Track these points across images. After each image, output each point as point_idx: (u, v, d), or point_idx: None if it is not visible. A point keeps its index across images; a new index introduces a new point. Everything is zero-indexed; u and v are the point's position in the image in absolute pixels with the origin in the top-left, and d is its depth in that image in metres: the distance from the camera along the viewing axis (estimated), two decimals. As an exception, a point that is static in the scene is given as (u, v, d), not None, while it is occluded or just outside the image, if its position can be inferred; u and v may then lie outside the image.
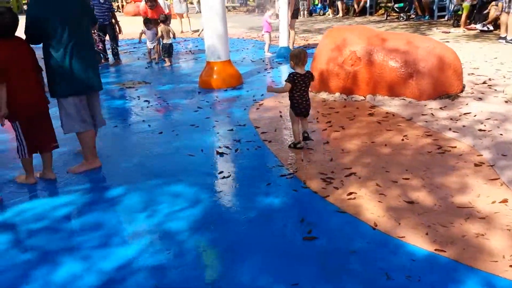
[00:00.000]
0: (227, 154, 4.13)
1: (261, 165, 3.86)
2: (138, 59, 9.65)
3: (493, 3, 10.13)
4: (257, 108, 5.50)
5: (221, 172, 3.74)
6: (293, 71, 4.05)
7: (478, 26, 10.29)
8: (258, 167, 3.82)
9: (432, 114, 4.73)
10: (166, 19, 8.85)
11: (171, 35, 8.72)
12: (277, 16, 8.97)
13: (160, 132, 4.82)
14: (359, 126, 4.58)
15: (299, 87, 4.02)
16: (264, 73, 7.57)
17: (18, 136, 3.52)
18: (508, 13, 8.37)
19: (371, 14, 15.75)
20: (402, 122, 4.57)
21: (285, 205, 3.15)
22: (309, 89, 4.19)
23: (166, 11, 9.96)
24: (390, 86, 5.26)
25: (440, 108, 4.88)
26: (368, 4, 15.65)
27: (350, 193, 3.22)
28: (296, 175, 3.59)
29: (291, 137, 4.45)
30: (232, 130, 4.78)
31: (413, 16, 13.78)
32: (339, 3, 16.17)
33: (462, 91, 5.28)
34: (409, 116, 4.69)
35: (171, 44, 8.72)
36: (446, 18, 13.32)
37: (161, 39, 8.90)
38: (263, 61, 8.70)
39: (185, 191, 3.45)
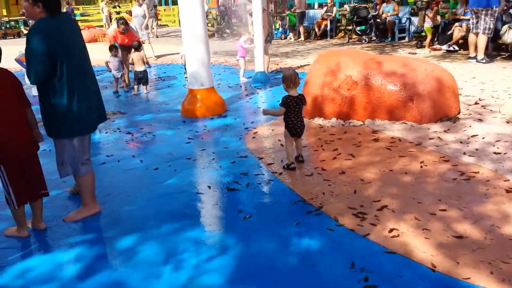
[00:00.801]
0: (238, 190, 3.80)
1: (280, 201, 3.56)
2: (106, 87, 9.13)
3: (457, 24, 10.46)
4: (253, 137, 5.22)
5: (240, 211, 3.40)
6: (286, 93, 4.12)
7: (444, 47, 10.58)
8: (279, 204, 3.52)
9: (439, 137, 4.62)
10: (140, 46, 8.45)
11: (145, 63, 8.28)
12: (251, 41, 8.79)
13: (155, 168, 4.42)
14: (369, 153, 4.39)
15: (293, 109, 4.11)
16: (246, 99, 7.32)
17: (4, 183, 3.03)
18: (476, 34, 8.62)
19: (331, 37, 15.97)
20: (412, 147, 4.43)
21: (325, 247, 2.86)
22: (303, 114, 4.25)
23: (138, 36, 9.51)
24: (389, 110, 5.14)
25: (445, 131, 4.80)
26: (328, 28, 15.88)
27: (391, 230, 2.99)
28: (323, 211, 3.32)
29: (300, 167, 4.21)
30: (234, 162, 4.46)
31: (374, 38, 14.07)
32: (301, 28, 16.30)
33: (459, 112, 5.25)
34: (417, 141, 4.56)
35: (145, 71, 8.28)
36: (406, 39, 13.69)
37: (130, 66, 8.50)
38: (240, 86, 8.45)
39: (206, 236, 3.09)
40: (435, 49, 10.80)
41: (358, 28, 14.38)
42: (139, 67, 8.17)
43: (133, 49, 8.28)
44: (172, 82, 9.33)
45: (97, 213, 3.50)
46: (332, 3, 16.07)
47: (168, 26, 29.08)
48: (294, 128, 4.16)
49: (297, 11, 16.12)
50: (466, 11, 10.39)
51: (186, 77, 8.40)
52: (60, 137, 3.22)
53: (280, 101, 4.17)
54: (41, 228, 3.27)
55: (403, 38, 13.82)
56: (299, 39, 16.35)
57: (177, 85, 9.02)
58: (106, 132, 5.77)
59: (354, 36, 15.01)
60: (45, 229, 3.28)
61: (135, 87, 8.35)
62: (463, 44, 10.52)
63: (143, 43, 13.49)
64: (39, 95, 3.16)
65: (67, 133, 3.19)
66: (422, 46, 11.51)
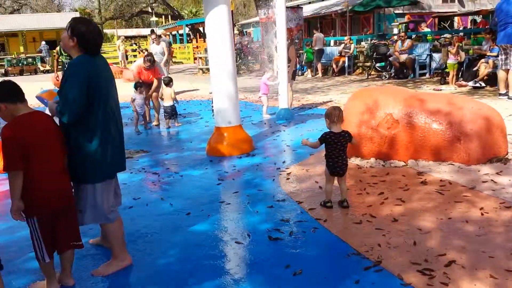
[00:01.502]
0: (281, 239, 3.46)
1: (332, 254, 3.21)
2: (126, 124, 8.92)
3: (482, 60, 10.24)
4: (287, 179, 4.90)
5: (289, 266, 3.05)
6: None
7: (470, 83, 10.32)
8: (330, 257, 3.17)
9: (493, 180, 4.27)
10: (170, 81, 8.38)
11: (173, 99, 8.35)
12: (275, 78, 8.60)
13: (187, 213, 4.10)
14: (420, 198, 4.04)
15: (334, 146, 3.92)
16: (273, 137, 7.04)
17: (35, 235, 2.73)
18: (506, 70, 8.36)
19: (349, 73, 15.86)
20: (466, 192, 4.08)
21: (395, 312, 2.49)
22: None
23: (163, 73, 9.37)
24: (434, 150, 4.81)
25: (497, 173, 4.45)
26: (346, 64, 15.78)
27: (467, 291, 2.61)
28: (383, 266, 2.95)
29: (346, 214, 3.86)
30: (272, 207, 4.13)
31: (394, 74, 13.88)
32: (318, 64, 16.25)
33: (507, 153, 4.90)
34: (470, 184, 4.21)
35: (173, 106, 8.36)
36: (427, 75, 13.50)
37: (157, 101, 8.45)
38: (264, 123, 8.21)
39: (257, 296, 2.73)
40: (461, 85, 10.54)
41: (378, 64, 14.24)
42: (168, 102, 8.28)
43: (163, 85, 8.40)
44: (193, 119, 9.12)
45: (128, 265, 3.17)
46: (349, 40, 16.05)
47: (183, 63, 29.41)
48: (334, 166, 3.95)
49: (315, 48, 16.09)
50: (492, 47, 10.19)
51: (213, 115, 8.33)
52: (83, 182, 2.93)
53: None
54: (69, 284, 2.93)
55: (424, 74, 13.63)
56: (317, 76, 16.25)
57: (199, 122, 8.80)
58: (131, 172, 5.48)
59: (373, 73, 14.87)
60: (73, 285, 2.95)
61: (167, 121, 8.44)
62: (488, 80, 10.29)
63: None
64: (66, 137, 2.90)
65: (91, 178, 2.91)
66: (445, 83, 11.27)
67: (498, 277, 2.72)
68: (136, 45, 30.19)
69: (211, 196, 4.54)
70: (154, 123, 8.67)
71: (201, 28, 38.54)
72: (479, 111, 4.78)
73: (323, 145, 4.00)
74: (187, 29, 35.52)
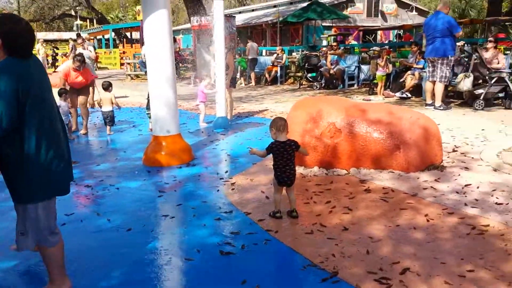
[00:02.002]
0: (233, 253, 3.30)
1: (287, 266, 3.12)
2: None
3: (409, 72, 10.79)
4: (232, 189, 4.75)
5: (244, 281, 2.90)
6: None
7: (397, 94, 10.82)
8: (286, 269, 3.08)
9: (432, 187, 4.42)
10: (110, 86, 7.95)
11: (113, 104, 8.01)
12: (212, 86, 8.45)
13: (128, 229, 3.81)
14: (366, 206, 4.07)
15: (280, 156, 3.85)
16: (212, 146, 6.86)
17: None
18: (433, 82, 8.85)
19: (281, 83, 16.07)
20: (409, 199, 4.17)
21: (359, 325, 2.43)
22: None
23: (94, 74, 8.80)
24: (375, 159, 4.91)
25: (435, 180, 4.61)
26: (278, 74, 15.99)
27: (425, 299, 2.62)
28: (340, 277, 2.90)
29: (296, 224, 3.79)
30: (219, 219, 3.96)
31: (324, 85, 14.25)
32: (252, 73, 16.31)
33: (442, 161, 5.12)
34: (412, 192, 4.33)
35: (111, 111, 7.98)
36: (355, 86, 14.02)
37: (86, 108, 7.94)
38: (202, 132, 8.00)
39: (212, 317, 2.55)
40: (389, 96, 11.02)
41: (309, 75, 14.56)
42: (107, 107, 7.91)
43: (102, 89, 8.04)
44: (124, 127, 8.68)
45: (68, 290, 2.85)
46: (281, 51, 16.29)
47: (108, 69, 28.28)
48: (282, 177, 3.87)
49: (249, 57, 16.15)
50: (418, 60, 10.78)
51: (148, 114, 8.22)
52: (29, 201, 2.59)
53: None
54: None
55: (352, 85, 14.14)
56: (250, 84, 16.30)
57: (131, 130, 8.39)
58: (61, 185, 5.04)
59: (305, 83, 15.19)
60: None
61: (107, 127, 8.06)
62: (413, 91, 10.85)
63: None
64: None
65: (38, 196, 2.59)
66: (374, 93, 11.74)
67: (452, 283, 2.76)
68: (57, 49, 28.62)
69: (152, 210, 4.27)
70: (82, 131, 8.12)
71: (128, 34, 37.48)
72: (417, 120, 4.95)
73: (267, 155, 3.94)
74: (113, 34, 34.32)
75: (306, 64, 14.64)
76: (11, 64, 2.51)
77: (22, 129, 2.50)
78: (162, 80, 5.73)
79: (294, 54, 17.73)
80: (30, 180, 2.54)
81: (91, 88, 8.14)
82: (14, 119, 2.43)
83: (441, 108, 8.70)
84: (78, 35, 13.75)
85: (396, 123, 4.90)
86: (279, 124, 3.87)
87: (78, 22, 37.70)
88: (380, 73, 11.39)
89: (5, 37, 2.51)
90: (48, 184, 2.61)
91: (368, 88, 12.41)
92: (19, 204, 2.62)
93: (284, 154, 3.85)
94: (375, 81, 11.89)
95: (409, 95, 10.69)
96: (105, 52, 30.94)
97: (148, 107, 7.78)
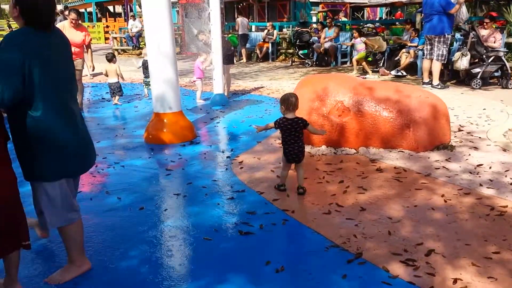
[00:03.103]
0: (252, 233, 3.24)
1: (309, 247, 3.06)
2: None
3: (404, 50, 10.73)
4: (241, 168, 4.67)
5: (268, 262, 2.85)
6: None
7: (393, 72, 10.78)
8: (309, 250, 3.02)
9: (444, 167, 4.40)
10: (114, 57, 7.84)
11: (118, 75, 8.15)
12: (209, 61, 8.25)
13: (140, 207, 3.72)
14: (380, 186, 4.04)
15: (287, 133, 3.87)
16: (214, 123, 6.73)
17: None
18: (430, 60, 8.81)
19: (273, 59, 15.87)
20: (422, 179, 4.15)
21: (393, 307, 2.41)
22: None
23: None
24: (384, 138, 4.87)
25: (446, 160, 4.60)
26: (270, 50, 15.76)
27: (455, 280, 2.61)
28: (365, 258, 2.87)
29: (312, 204, 3.75)
30: (233, 198, 3.89)
31: (316, 62, 14.10)
32: (243, 50, 16.05)
33: (450, 140, 5.11)
34: (425, 171, 4.31)
35: (118, 82, 8.15)
36: (348, 63, 13.91)
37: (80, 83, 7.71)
38: (200, 109, 7.85)
39: (243, 299, 2.50)
40: (384, 74, 10.97)
41: (300, 52, 14.39)
42: (113, 79, 8.02)
43: (106, 61, 8.19)
44: (119, 103, 8.46)
45: (87, 271, 2.77)
46: (272, 27, 16.03)
47: (92, 43, 27.56)
48: (290, 153, 3.90)
49: (239, 33, 15.85)
50: (412, 38, 10.72)
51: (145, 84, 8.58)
52: (41, 179, 2.48)
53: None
54: (17, 293, 2.49)
55: (345, 62, 14.04)
56: (241, 61, 16.07)
57: (125, 106, 8.20)
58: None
59: (297, 60, 15.03)
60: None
61: (113, 98, 8.34)
62: (408, 69, 10.81)
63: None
64: (12, 127, 2.43)
65: (51, 174, 2.48)
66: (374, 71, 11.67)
67: (480, 265, 2.75)
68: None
69: (162, 188, 4.19)
70: None
71: (110, 7, 36.42)
72: (426, 99, 4.90)
73: (271, 131, 3.96)
74: (96, 8, 33.40)
75: (298, 41, 14.45)
76: (22, 34, 2.38)
77: (36, 105, 2.37)
78: (162, 57, 5.54)
79: (284, 30, 17.47)
80: (50, 158, 2.44)
81: (85, 55, 7.71)
82: (18, 90, 2.29)
83: (439, 87, 8.70)
84: (66, 8, 13.25)
85: (405, 101, 4.85)
86: (289, 102, 3.83)
87: (60, -7, 36.51)
88: (358, 52, 11.31)
89: (21, 6, 2.36)
90: (64, 162, 2.51)
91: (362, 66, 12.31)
92: (34, 182, 2.51)
93: (292, 131, 3.85)
94: (369, 59, 11.81)
95: (404, 73, 10.65)
96: (88, 26, 30.08)
97: (146, 75, 7.79)
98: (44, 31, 2.44)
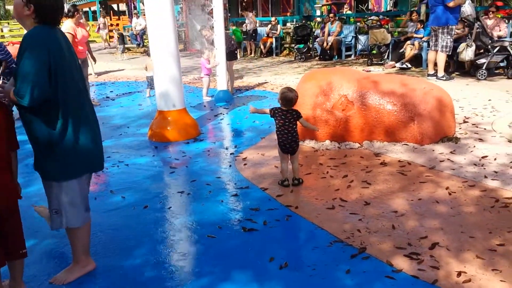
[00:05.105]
0: (256, 230, 3.25)
1: (313, 243, 3.05)
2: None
3: (408, 42, 10.65)
4: (244, 164, 4.67)
5: (272, 259, 2.85)
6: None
7: (397, 64, 10.71)
8: (313, 246, 3.01)
9: (449, 160, 4.38)
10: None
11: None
12: (209, 56, 8.23)
13: (144, 206, 3.74)
14: (384, 180, 4.02)
15: (281, 123, 3.92)
16: (217, 120, 6.74)
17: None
18: (436, 51, 8.74)
19: (277, 54, 15.83)
20: (427, 172, 4.13)
21: (397, 301, 2.40)
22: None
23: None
24: (388, 131, 4.84)
25: (451, 152, 4.57)
26: (274, 45, 15.72)
27: (459, 273, 2.60)
28: (369, 253, 2.87)
29: (316, 199, 3.74)
30: (236, 195, 3.90)
31: (320, 56, 13.98)
32: (252, 45, 16.06)
33: (455, 132, 5.08)
34: (429, 164, 4.28)
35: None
36: (352, 57, 13.82)
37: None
38: (204, 106, 7.86)
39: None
40: (389, 66, 10.90)
41: (297, 46, 14.29)
42: (151, 72, 7.93)
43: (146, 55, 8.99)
44: (122, 101, 8.50)
45: (91, 271, 2.79)
46: (275, 21, 15.98)
47: (96, 42, 27.63)
48: (284, 143, 3.96)
49: (249, 27, 15.85)
50: (418, 29, 10.63)
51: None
52: (62, 179, 2.51)
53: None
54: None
55: (349, 56, 13.95)
56: (250, 55, 16.07)
57: (130, 105, 8.23)
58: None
59: (291, 54, 14.97)
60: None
61: (147, 90, 8.86)
62: (412, 61, 10.73)
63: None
64: (27, 125, 2.44)
65: (73, 173, 2.50)
66: (373, 64, 11.61)
67: (484, 257, 2.74)
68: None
69: (166, 186, 4.20)
70: None
71: (114, 6, 36.44)
72: (431, 92, 4.87)
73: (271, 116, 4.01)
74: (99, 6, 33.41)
75: (295, 36, 14.40)
76: (45, 32, 2.40)
77: (55, 104, 2.40)
78: (165, 55, 5.56)
79: (288, 24, 17.39)
80: (73, 158, 2.49)
81: (88, 55, 7.76)
82: (47, 88, 2.33)
83: (444, 78, 8.62)
84: (74, 6, 13.22)
85: (409, 94, 4.82)
86: (286, 98, 3.88)
87: (64, -7, 36.58)
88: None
89: (37, 4, 2.37)
90: (82, 160, 2.54)
91: (366, 59, 12.25)
92: (55, 181, 2.52)
93: (286, 121, 3.90)
94: (373, 51, 11.74)
95: (409, 66, 10.57)
96: (92, 25, 30.16)
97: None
98: (54, 28, 2.47)
